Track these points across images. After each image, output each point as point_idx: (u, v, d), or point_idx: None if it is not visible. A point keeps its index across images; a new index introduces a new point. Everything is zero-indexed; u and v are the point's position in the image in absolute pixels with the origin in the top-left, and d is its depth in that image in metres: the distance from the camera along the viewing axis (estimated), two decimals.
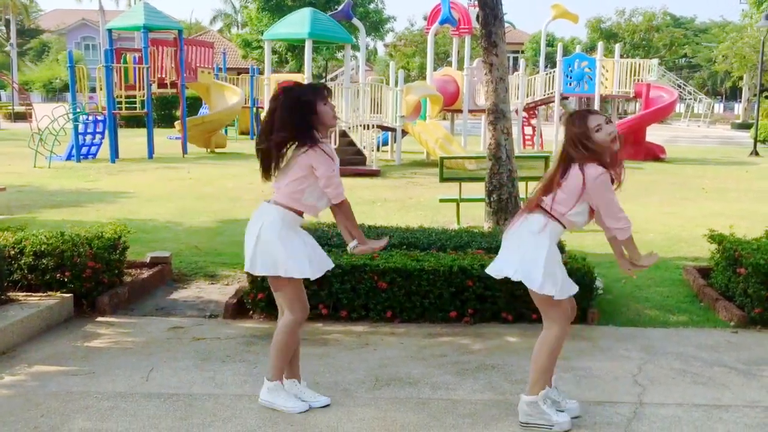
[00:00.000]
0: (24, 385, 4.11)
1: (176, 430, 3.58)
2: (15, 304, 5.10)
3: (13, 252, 5.47)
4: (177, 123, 22.27)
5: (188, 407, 3.85)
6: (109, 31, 20.11)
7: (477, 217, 9.33)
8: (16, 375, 4.27)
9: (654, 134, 23.54)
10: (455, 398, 4.01)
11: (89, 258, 5.50)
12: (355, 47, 22.99)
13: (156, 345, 4.83)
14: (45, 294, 5.37)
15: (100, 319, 5.39)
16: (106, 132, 18.27)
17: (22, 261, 5.45)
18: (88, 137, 18.44)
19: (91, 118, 18.60)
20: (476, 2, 8.15)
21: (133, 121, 29.73)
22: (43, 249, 5.45)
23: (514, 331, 5.13)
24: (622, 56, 23.14)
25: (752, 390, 4.18)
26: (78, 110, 18.39)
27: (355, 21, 21.05)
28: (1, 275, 5.19)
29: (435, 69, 21.93)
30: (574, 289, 3.72)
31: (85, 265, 5.47)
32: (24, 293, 5.37)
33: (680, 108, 38.80)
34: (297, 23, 16.95)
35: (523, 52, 48.83)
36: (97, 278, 5.58)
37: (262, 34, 21.71)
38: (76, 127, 17.76)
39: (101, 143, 18.64)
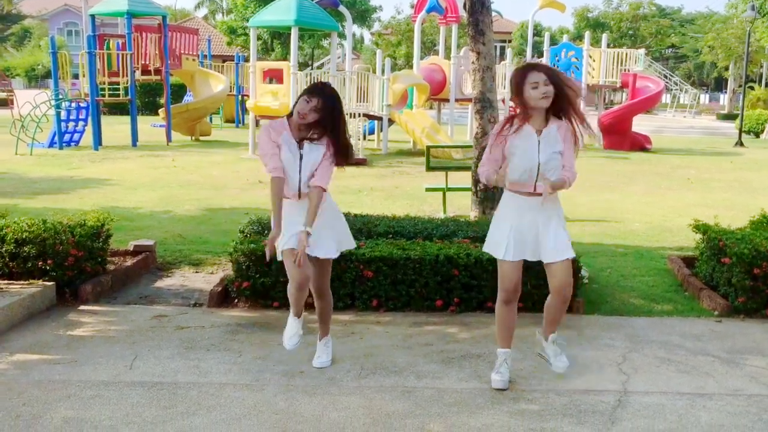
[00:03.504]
0: (6, 374, 4.07)
1: (160, 419, 3.55)
2: None
3: None
4: (161, 110, 22.10)
5: (172, 396, 3.82)
6: (92, 16, 19.92)
7: (463, 206, 9.33)
8: None
9: (640, 124, 23.63)
10: (441, 387, 4.01)
11: (72, 246, 5.44)
12: (342, 35, 22.88)
13: (140, 333, 4.79)
14: (27, 282, 5.31)
15: (82, 307, 5.33)
16: (89, 119, 18.10)
17: (4, 249, 5.39)
18: (71, 124, 18.25)
19: (73, 104, 18.42)
20: None
21: (117, 109, 29.45)
22: (24, 237, 5.39)
23: None
24: (609, 46, 23.17)
25: (735, 379, 4.21)
26: (60, 97, 18.18)
27: (342, 9, 20.93)
28: None
29: (422, 58, 21.86)
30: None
31: (67, 253, 5.41)
32: (5, 281, 5.31)
33: (666, 98, 38.99)
34: (283, 10, 16.81)
35: (510, 41, 48.83)
36: (79, 266, 5.52)
37: (248, 20, 21.52)
38: (58, 114, 17.56)
39: (84, 130, 18.46)
